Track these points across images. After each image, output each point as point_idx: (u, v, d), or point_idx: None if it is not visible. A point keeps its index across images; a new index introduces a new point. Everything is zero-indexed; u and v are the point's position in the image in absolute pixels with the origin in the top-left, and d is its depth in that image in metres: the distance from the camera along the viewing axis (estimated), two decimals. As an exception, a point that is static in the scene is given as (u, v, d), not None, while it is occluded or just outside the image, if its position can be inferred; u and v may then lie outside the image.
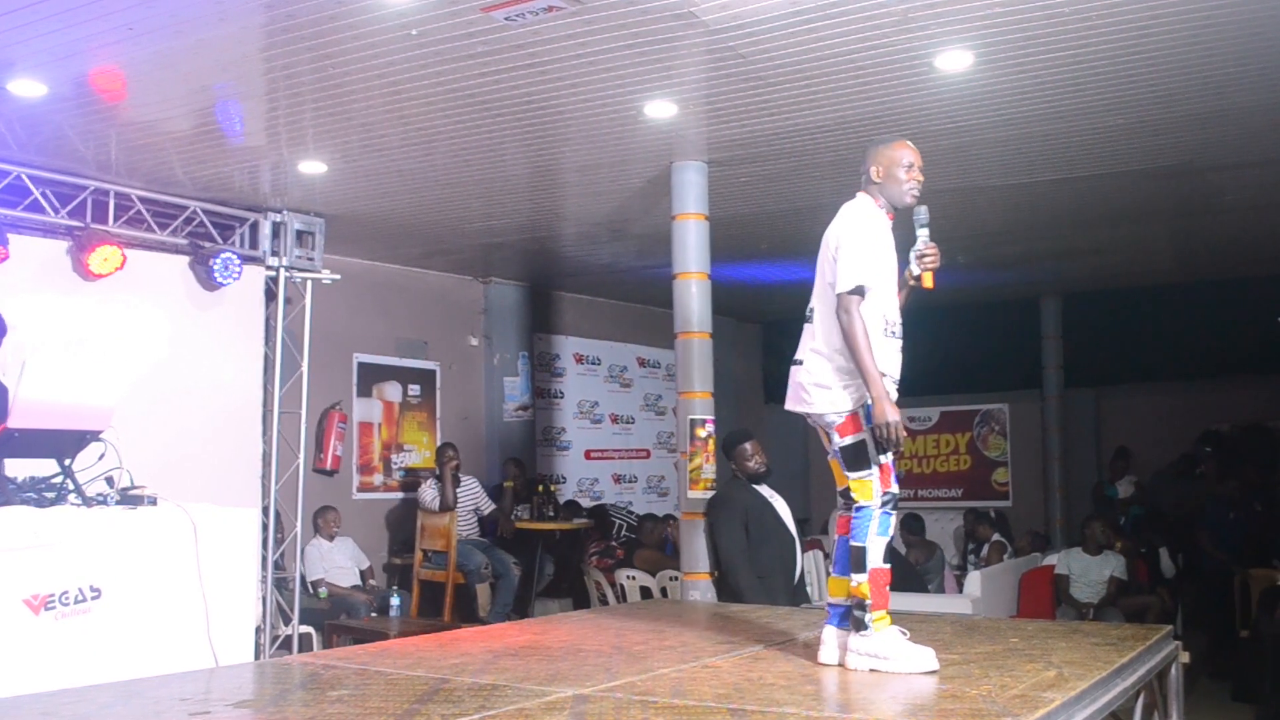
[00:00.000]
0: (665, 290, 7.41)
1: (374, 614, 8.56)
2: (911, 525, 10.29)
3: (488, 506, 9.68)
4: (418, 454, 10.47)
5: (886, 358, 3.62)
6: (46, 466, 4.24)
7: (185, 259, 7.67)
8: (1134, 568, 8.81)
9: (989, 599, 7.93)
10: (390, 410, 10.36)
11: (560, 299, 12.07)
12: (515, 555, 9.57)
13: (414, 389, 10.55)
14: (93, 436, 4.29)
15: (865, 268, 3.58)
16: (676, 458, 7.95)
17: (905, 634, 3.59)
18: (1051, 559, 9.08)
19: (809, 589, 6.90)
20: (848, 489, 3.69)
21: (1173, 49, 5.41)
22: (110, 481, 4.29)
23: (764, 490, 6.20)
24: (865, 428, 3.57)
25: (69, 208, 6.99)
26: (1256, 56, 5.51)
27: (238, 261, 7.66)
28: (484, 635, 4.84)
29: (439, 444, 9.95)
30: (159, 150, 6.71)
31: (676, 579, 7.75)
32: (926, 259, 3.79)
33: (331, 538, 8.94)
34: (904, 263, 3.82)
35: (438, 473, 9.22)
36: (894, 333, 3.68)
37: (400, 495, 10.26)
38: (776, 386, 4.31)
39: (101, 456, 4.30)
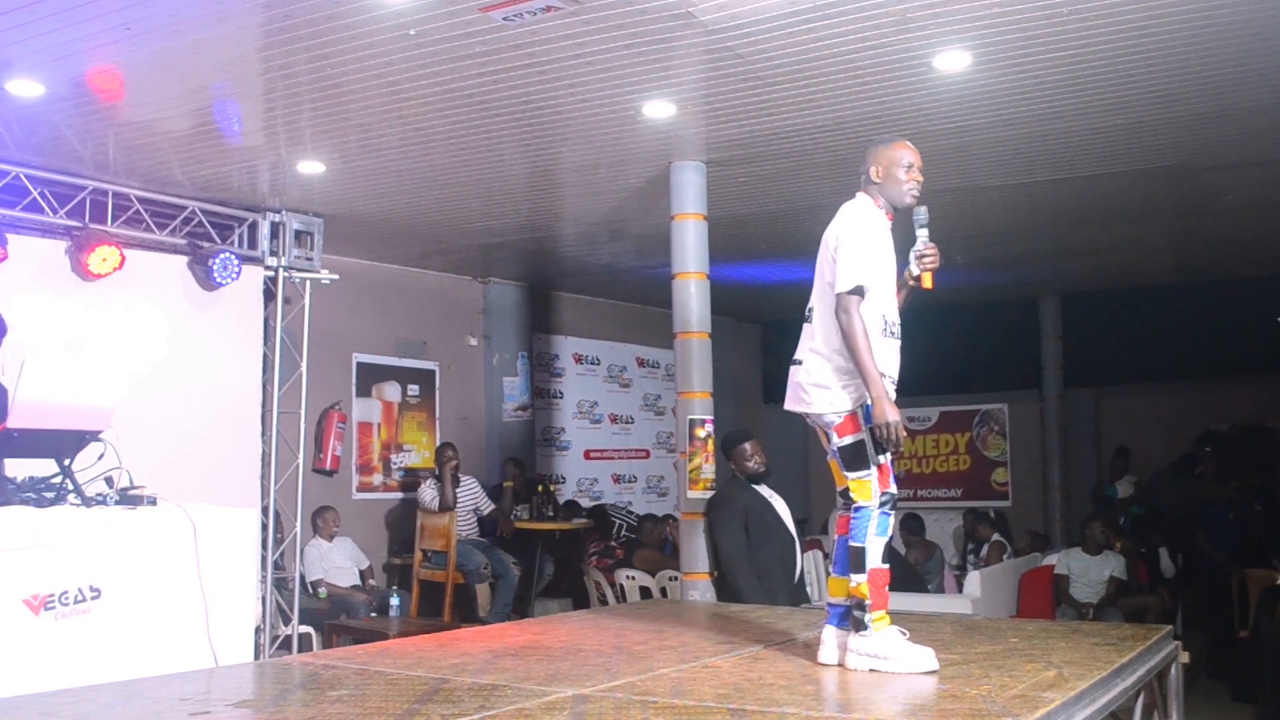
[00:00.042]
0: (664, 290, 7.41)
1: (374, 614, 8.55)
2: (911, 525, 10.30)
3: (487, 506, 9.68)
4: (417, 454, 10.47)
5: (885, 358, 3.62)
6: (46, 466, 4.23)
7: (184, 259, 7.67)
8: (1134, 568, 8.81)
9: (989, 599, 7.93)
10: (390, 410, 10.36)
11: (559, 299, 12.07)
12: (515, 555, 9.57)
13: (413, 389, 10.55)
14: (92, 436, 4.28)
15: (864, 268, 3.58)
16: (676, 458, 7.95)
17: (905, 634, 3.59)
18: (1051, 559, 9.08)
19: (809, 589, 6.89)
20: (847, 489, 3.69)
21: (1172, 49, 5.41)
22: (110, 481, 4.29)
23: (764, 490, 6.20)
24: (864, 428, 3.57)
25: (67, 208, 6.99)
26: (1256, 56, 5.51)
27: (236, 261, 7.66)
28: (484, 635, 4.84)
29: (438, 444, 9.95)
30: (157, 150, 6.71)
31: (676, 579, 7.75)
32: (926, 259, 3.79)
33: (331, 538, 8.93)
34: (903, 263, 3.82)
35: (437, 473, 9.21)
36: (893, 333, 3.68)
37: (400, 495, 10.26)
38: (776, 386, 4.30)
39: (101, 456, 4.29)
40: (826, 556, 8.24)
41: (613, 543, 10.00)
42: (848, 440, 3.63)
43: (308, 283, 8.29)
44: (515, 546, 9.76)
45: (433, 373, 10.72)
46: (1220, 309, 11.66)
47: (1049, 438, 12.79)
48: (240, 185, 7.54)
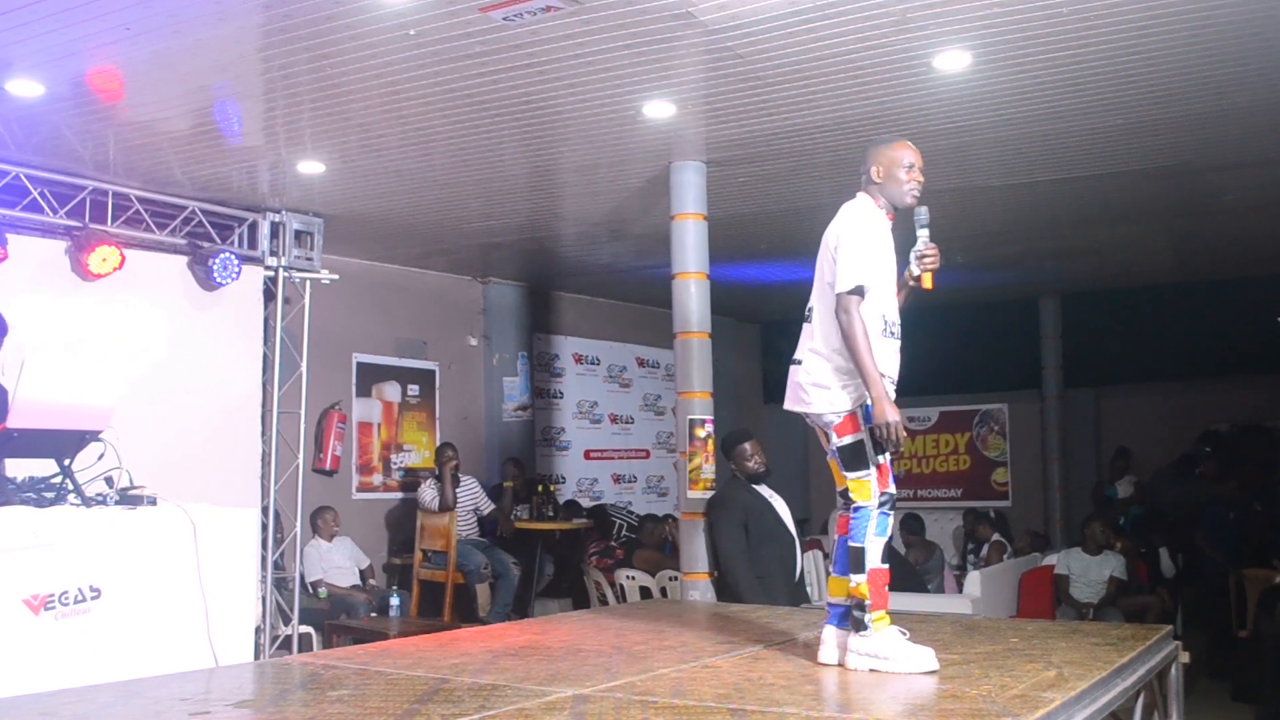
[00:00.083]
0: (664, 290, 7.41)
1: (374, 614, 8.55)
2: (911, 525, 10.29)
3: (487, 506, 9.68)
4: (417, 454, 10.47)
5: (885, 358, 3.61)
6: (46, 466, 4.23)
7: (184, 259, 7.67)
8: (1134, 568, 8.80)
9: (989, 599, 7.93)
10: (389, 410, 10.36)
11: (559, 299, 12.07)
12: (515, 555, 9.57)
13: (413, 389, 10.55)
14: (92, 436, 4.28)
15: (865, 268, 3.58)
16: (676, 458, 7.95)
17: (905, 634, 3.59)
18: (1051, 559, 9.08)
19: (809, 589, 6.89)
20: (847, 489, 3.69)
21: (1172, 49, 5.41)
22: (110, 481, 4.29)
23: (764, 490, 6.20)
24: (863, 428, 3.57)
25: (67, 208, 6.99)
26: (1256, 56, 5.51)
27: (236, 261, 7.66)
28: (484, 635, 4.84)
29: (438, 444, 9.95)
30: (157, 150, 6.71)
31: (676, 579, 7.74)
32: (926, 260, 3.79)
33: (330, 538, 8.93)
34: (904, 263, 3.81)
35: (437, 473, 9.22)
36: (893, 333, 3.68)
37: (400, 495, 10.26)
38: (776, 386, 4.30)
39: (101, 456, 4.29)
40: (826, 556, 8.24)
41: (613, 543, 10.00)
42: (847, 440, 3.62)
43: (308, 283, 8.29)
44: (515, 546, 9.76)
45: (433, 373, 10.72)
46: (1220, 309, 11.67)
47: (1049, 438, 12.79)
48: (240, 185, 7.54)
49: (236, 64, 5.45)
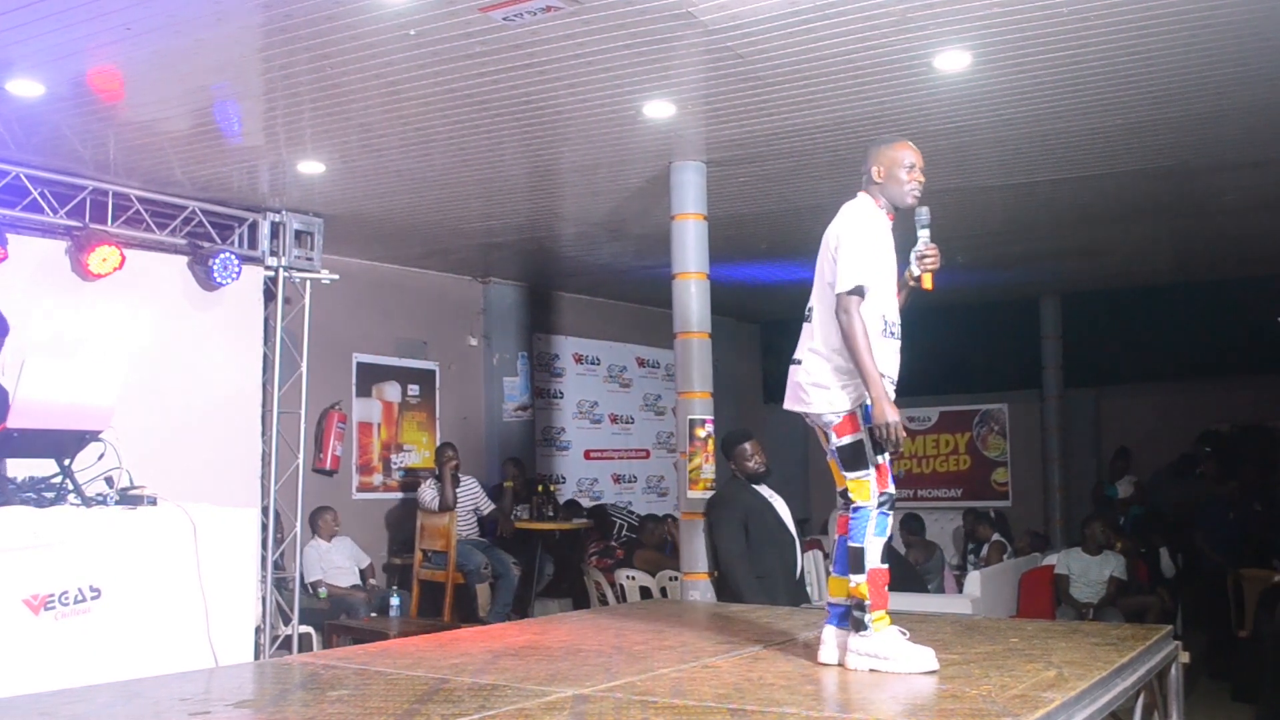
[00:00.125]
0: (664, 290, 7.41)
1: (374, 614, 8.56)
2: (911, 525, 10.29)
3: (487, 506, 9.68)
4: (417, 454, 10.47)
5: (885, 358, 3.61)
6: (46, 466, 4.23)
7: (184, 259, 7.67)
8: (1134, 568, 8.80)
9: (989, 599, 7.93)
10: (390, 410, 10.36)
11: (559, 299, 12.07)
12: (515, 555, 9.57)
13: (413, 389, 10.56)
14: (92, 436, 4.29)
15: (865, 268, 3.58)
16: (676, 458, 7.95)
17: (905, 634, 3.59)
18: (1051, 559, 9.08)
19: (809, 589, 6.89)
20: (847, 489, 3.69)
21: (1171, 49, 5.41)
22: (110, 481, 4.29)
23: (764, 490, 6.20)
24: (863, 428, 3.57)
25: (68, 208, 6.99)
26: (1256, 56, 5.51)
27: (236, 261, 7.66)
28: (484, 635, 4.84)
29: (438, 444, 9.95)
30: (157, 150, 6.71)
31: (676, 579, 7.75)
32: (927, 260, 3.79)
33: (330, 538, 8.93)
34: (904, 263, 3.81)
35: (437, 473, 9.21)
36: (893, 333, 3.68)
37: (400, 495, 10.26)
38: (776, 386, 4.30)
39: (101, 456, 4.30)
40: (826, 556, 8.24)
41: (613, 543, 10.00)
42: (847, 440, 3.62)
43: (308, 283, 8.29)
44: (515, 546, 9.76)
45: (433, 373, 10.72)
46: (1220, 309, 11.67)
47: (1049, 438, 12.80)
48: (240, 185, 7.54)
49: (236, 64, 5.45)
